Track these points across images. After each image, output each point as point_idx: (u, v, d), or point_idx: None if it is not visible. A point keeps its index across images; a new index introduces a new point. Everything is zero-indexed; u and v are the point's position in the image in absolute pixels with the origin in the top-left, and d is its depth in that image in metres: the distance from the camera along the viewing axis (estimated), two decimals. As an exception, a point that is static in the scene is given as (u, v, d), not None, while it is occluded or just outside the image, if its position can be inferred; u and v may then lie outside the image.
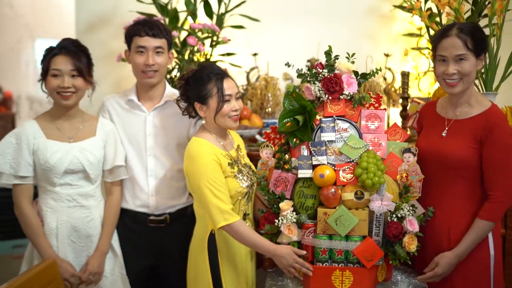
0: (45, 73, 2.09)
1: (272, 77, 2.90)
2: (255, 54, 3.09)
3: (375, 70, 2.09)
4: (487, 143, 1.92)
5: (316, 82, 2.04)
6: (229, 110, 1.97)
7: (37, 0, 3.69)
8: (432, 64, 3.02)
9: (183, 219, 2.33)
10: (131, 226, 2.29)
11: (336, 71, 2.04)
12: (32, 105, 6.15)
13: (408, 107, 2.75)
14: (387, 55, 3.13)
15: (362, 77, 2.06)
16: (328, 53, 2.09)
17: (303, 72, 2.08)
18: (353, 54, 2.07)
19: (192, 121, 2.30)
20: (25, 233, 2.09)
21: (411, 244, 1.92)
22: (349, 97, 2.04)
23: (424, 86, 3.15)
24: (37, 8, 5.87)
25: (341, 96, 2.03)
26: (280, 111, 2.89)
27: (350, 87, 2.02)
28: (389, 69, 3.13)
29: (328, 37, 3.08)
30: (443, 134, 2.01)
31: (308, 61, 3.09)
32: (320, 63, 2.10)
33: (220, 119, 1.97)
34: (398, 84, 3.10)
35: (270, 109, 2.80)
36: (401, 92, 2.99)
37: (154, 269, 2.36)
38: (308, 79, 2.06)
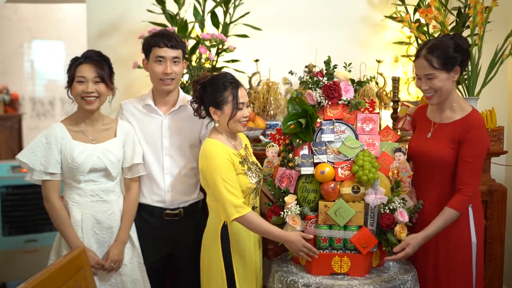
0: (71, 80, 2.28)
1: (274, 82, 3.13)
2: (256, 60, 3.32)
3: (369, 78, 2.34)
4: (463, 143, 2.16)
5: (317, 89, 2.27)
6: (241, 116, 2.18)
7: (39, 5, 3.86)
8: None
9: (195, 213, 2.54)
10: (148, 219, 2.49)
11: (335, 79, 2.28)
12: (34, 106, 6.33)
13: (398, 110, 2.99)
14: (379, 61, 3.37)
15: (358, 84, 2.30)
16: (327, 63, 2.32)
17: (305, 80, 2.31)
18: (350, 64, 2.31)
19: (204, 123, 2.50)
20: (55, 224, 2.27)
21: (401, 232, 2.16)
22: (346, 102, 2.28)
23: (412, 90, 3.39)
24: (39, 13, 6.04)
25: (339, 102, 2.27)
26: (281, 113, 3.15)
27: (347, 93, 2.26)
28: (381, 74, 3.37)
29: (324, 45, 3.36)
30: (428, 136, 2.26)
31: (306, 66, 3.32)
32: (320, 71, 2.33)
33: (232, 123, 2.18)
34: (389, 88, 3.34)
35: (272, 112, 3.03)
36: (392, 95, 3.24)
37: (169, 259, 2.55)
38: (310, 86, 2.29)
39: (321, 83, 2.27)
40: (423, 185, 2.29)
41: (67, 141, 2.27)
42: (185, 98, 2.53)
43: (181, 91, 2.56)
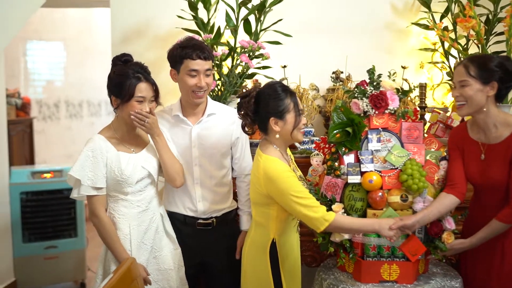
0: (129, 97, 2.18)
1: (305, 89, 3.14)
2: (284, 66, 3.33)
3: (412, 87, 2.37)
4: None
5: (364, 98, 2.29)
6: (302, 123, 2.14)
7: (66, 3, 3.83)
8: (446, 77, 3.34)
9: (228, 222, 2.54)
10: (181, 228, 2.48)
11: (381, 89, 2.30)
12: (40, 109, 6.27)
13: (429, 117, 3.02)
14: (404, 68, 3.40)
15: (403, 94, 2.33)
16: (371, 72, 2.35)
17: (351, 90, 2.33)
18: (395, 73, 2.33)
19: (234, 130, 2.47)
20: (103, 239, 2.22)
21: (449, 239, 2.21)
22: (392, 111, 2.31)
23: (437, 96, 3.43)
24: (44, 14, 5.99)
25: (385, 111, 2.29)
26: (313, 120, 3.16)
27: (393, 103, 2.29)
28: (406, 80, 3.41)
29: (349, 51, 3.39)
30: (482, 158, 2.22)
31: (333, 72, 3.34)
32: (365, 81, 2.35)
33: (295, 132, 2.12)
34: (413, 94, 3.37)
35: (305, 119, 3.03)
36: (418, 102, 3.27)
37: (202, 266, 2.55)
38: (356, 95, 2.31)
39: (368, 92, 2.29)
40: (490, 206, 2.23)
41: (112, 153, 2.23)
42: (213, 106, 2.50)
43: (209, 99, 2.52)
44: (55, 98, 6.49)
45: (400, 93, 2.34)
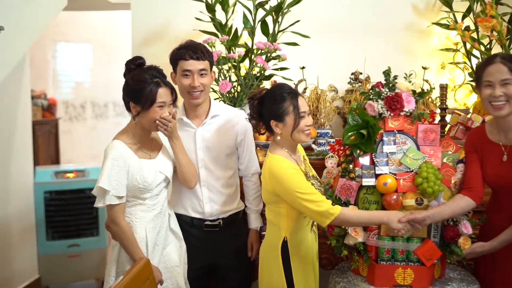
0: (150, 103, 2.17)
1: (322, 90, 3.13)
2: (303, 68, 3.33)
3: (429, 89, 2.33)
4: None
5: (379, 100, 2.27)
6: (304, 125, 2.15)
7: (87, 6, 3.90)
8: (468, 78, 3.27)
9: (236, 223, 2.55)
10: (188, 230, 2.49)
11: (396, 90, 2.27)
12: (67, 109, 6.41)
13: (449, 118, 2.97)
14: (425, 68, 3.35)
15: (419, 96, 2.30)
16: (387, 73, 2.32)
17: (366, 91, 2.31)
18: (411, 75, 2.30)
19: (239, 131, 2.48)
20: (122, 244, 2.22)
21: (465, 244, 2.16)
22: (408, 114, 2.27)
23: (459, 97, 3.37)
24: (71, 17, 6.11)
25: (401, 113, 2.26)
26: (331, 122, 3.15)
27: (409, 105, 2.25)
28: (427, 81, 3.36)
29: (369, 51, 3.36)
30: (504, 159, 2.17)
31: (352, 73, 3.32)
32: (380, 82, 2.33)
33: (296, 134, 2.15)
34: (434, 95, 3.32)
35: (322, 120, 3.03)
36: (439, 103, 3.22)
37: (211, 268, 2.56)
38: (372, 97, 2.29)
39: (383, 94, 2.26)
40: (505, 210, 2.20)
41: (135, 161, 2.22)
42: (217, 108, 2.50)
43: (213, 101, 2.53)
44: (82, 99, 6.62)
45: (416, 95, 2.30)
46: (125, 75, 2.30)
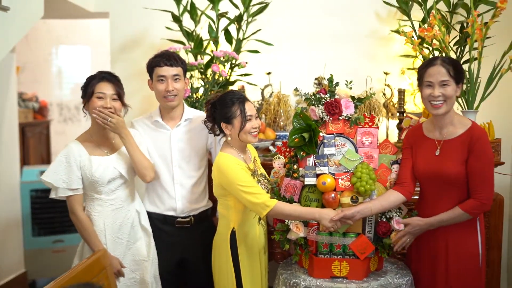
0: (90, 96, 2.44)
1: (284, 95, 3.31)
2: (269, 73, 3.51)
3: (369, 94, 2.51)
4: (472, 155, 2.23)
5: (319, 105, 2.44)
6: (250, 128, 2.35)
7: (66, 14, 4.10)
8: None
9: (205, 220, 2.75)
10: (161, 227, 2.68)
11: (336, 96, 2.45)
12: (61, 111, 6.64)
13: (403, 121, 3.13)
14: (386, 73, 3.52)
15: (358, 101, 2.47)
16: (330, 81, 2.49)
17: (308, 97, 2.49)
18: (351, 81, 2.47)
19: (209, 134, 2.63)
20: (81, 234, 2.45)
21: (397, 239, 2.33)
22: (347, 118, 2.45)
23: (419, 101, 3.52)
24: (66, 22, 6.35)
25: (340, 117, 2.44)
26: (291, 125, 3.32)
27: (348, 110, 2.43)
28: (388, 85, 3.52)
29: (333, 57, 3.54)
30: (436, 153, 2.31)
31: (316, 79, 3.49)
32: (324, 88, 2.50)
33: (243, 135, 2.35)
34: (396, 99, 3.48)
35: (282, 123, 3.21)
36: (398, 107, 3.38)
37: (182, 262, 2.74)
38: (313, 102, 2.46)
39: (323, 100, 2.44)
40: (436, 202, 2.32)
41: (85, 157, 2.44)
42: (189, 112, 2.71)
43: (185, 105, 2.74)
44: (77, 101, 6.82)
45: (356, 100, 2.47)
46: None
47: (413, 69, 3.46)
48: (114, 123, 2.42)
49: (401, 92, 3.37)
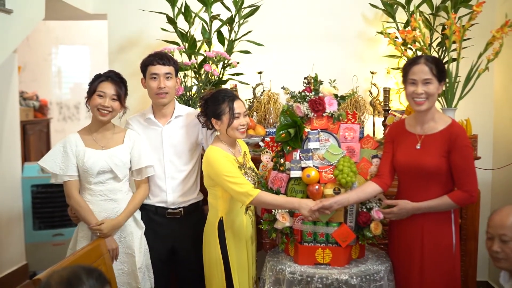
0: (92, 93, 2.60)
1: (274, 93, 3.46)
2: (260, 72, 3.66)
3: (351, 93, 2.67)
4: (453, 151, 2.36)
5: (304, 102, 2.60)
6: (238, 124, 2.51)
7: (65, 16, 4.24)
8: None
9: (195, 211, 2.88)
10: (152, 218, 2.82)
11: (320, 94, 2.60)
12: (61, 110, 6.79)
13: (387, 119, 3.29)
14: (372, 73, 3.67)
15: (341, 99, 2.63)
16: (315, 79, 2.65)
17: (294, 94, 2.64)
18: (334, 80, 2.63)
19: (200, 129, 2.81)
20: (80, 216, 2.62)
21: (376, 229, 2.48)
22: (330, 114, 2.60)
23: (404, 99, 3.67)
24: (65, 22, 6.49)
25: (324, 114, 2.59)
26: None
27: (331, 107, 2.58)
28: (375, 84, 3.67)
29: (322, 57, 3.70)
30: (417, 147, 2.42)
31: (305, 78, 3.62)
32: (309, 87, 2.66)
33: (230, 131, 2.51)
34: (382, 97, 3.63)
35: (272, 120, 3.37)
36: (383, 105, 3.54)
37: (173, 252, 2.87)
38: (298, 100, 2.62)
39: (308, 97, 2.59)
40: (409, 192, 2.43)
41: (80, 148, 2.61)
42: (180, 109, 2.86)
43: (177, 103, 2.88)
44: (76, 100, 6.98)
45: (339, 98, 2.62)
46: None
47: (398, 68, 3.61)
48: (103, 230, 2.58)
49: (387, 91, 3.52)
